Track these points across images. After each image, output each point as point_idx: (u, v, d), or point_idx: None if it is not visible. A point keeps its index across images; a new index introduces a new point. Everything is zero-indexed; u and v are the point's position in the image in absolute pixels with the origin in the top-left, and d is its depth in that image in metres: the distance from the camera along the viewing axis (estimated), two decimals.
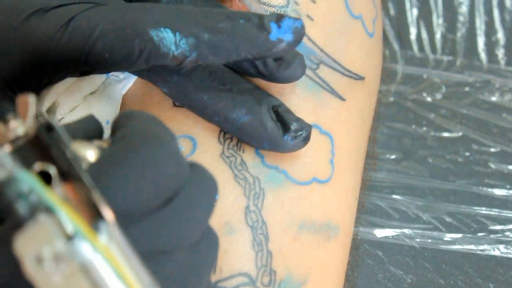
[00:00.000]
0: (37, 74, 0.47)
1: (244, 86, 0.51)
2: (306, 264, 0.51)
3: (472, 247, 0.65)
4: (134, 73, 0.52)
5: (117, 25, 0.45)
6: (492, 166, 0.69)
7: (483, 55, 0.75)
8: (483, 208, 0.67)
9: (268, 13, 0.54)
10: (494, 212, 0.67)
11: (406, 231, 0.65)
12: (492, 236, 0.66)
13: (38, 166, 0.33)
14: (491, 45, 0.75)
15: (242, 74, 0.51)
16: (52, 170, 0.33)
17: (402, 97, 0.72)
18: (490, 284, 0.63)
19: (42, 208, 0.32)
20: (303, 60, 0.51)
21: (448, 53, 0.75)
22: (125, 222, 0.34)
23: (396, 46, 0.75)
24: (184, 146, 0.52)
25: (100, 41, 0.45)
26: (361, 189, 0.59)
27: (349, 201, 0.55)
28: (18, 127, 0.34)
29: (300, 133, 0.50)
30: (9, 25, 0.46)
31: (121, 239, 0.33)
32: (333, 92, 0.55)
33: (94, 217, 0.32)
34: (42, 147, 0.34)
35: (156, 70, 0.50)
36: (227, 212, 0.50)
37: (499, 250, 0.65)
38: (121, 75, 0.54)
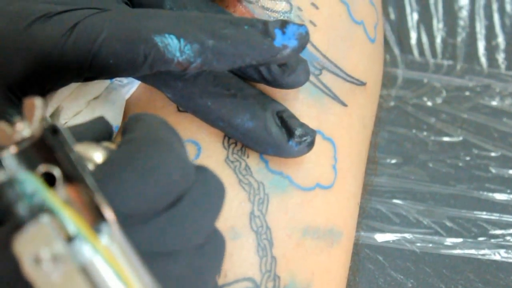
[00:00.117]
0: (41, 79, 0.47)
1: (249, 91, 0.51)
2: (310, 270, 0.51)
3: (472, 251, 0.65)
4: (138, 78, 0.52)
5: (121, 31, 0.45)
6: (493, 170, 0.69)
7: (483, 60, 0.75)
8: (484, 213, 0.67)
9: (272, 19, 0.54)
10: (494, 216, 0.67)
11: (407, 235, 0.66)
12: (492, 240, 0.66)
13: (42, 168, 0.34)
14: (491, 50, 0.75)
15: (246, 79, 0.51)
16: (57, 172, 0.33)
17: (403, 101, 0.72)
18: None
19: (44, 209, 0.32)
20: (307, 66, 0.51)
21: (449, 57, 0.75)
22: (129, 223, 0.35)
23: (396, 51, 0.75)
24: (188, 151, 0.52)
25: (104, 47, 0.45)
26: (362, 194, 0.59)
27: (351, 206, 0.55)
28: (24, 129, 0.34)
29: (304, 138, 0.50)
30: (14, 30, 0.46)
31: (122, 240, 0.33)
32: (335, 97, 0.55)
33: (96, 218, 0.32)
34: (47, 149, 0.34)
35: (160, 75, 0.50)
36: (232, 217, 0.50)
37: (499, 255, 0.65)
38: (125, 80, 0.54)
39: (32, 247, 0.31)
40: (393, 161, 0.69)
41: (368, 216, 0.66)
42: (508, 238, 0.66)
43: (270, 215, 0.51)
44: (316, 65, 0.55)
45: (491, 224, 0.66)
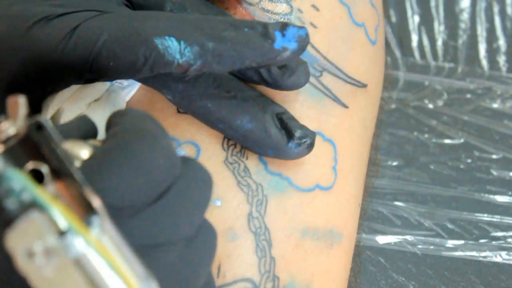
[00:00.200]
0: (41, 82, 0.47)
1: (248, 93, 0.51)
2: (309, 271, 0.51)
3: (474, 253, 0.65)
4: (138, 80, 0.52)
5: (122, 34, 0.45)
6: (494, 172, 0.69)
7: (484, 62, 0.75)
8: (485, 215, 0.67)
9: (272, 20, 0.54)
10: (496, 218, 0.67)
11: (408, 237, 0.66)
12: (494, 242, 0.66)
13: (30, 165, 0.34)
14: (492, 52, 0.75)
15: (246, 81, 0.52)
16: (44, 169, 0.34)
17: (404, 104, 0.72)
18: None
19: (34, 205, 0.32)
20: (307, 67, 0.51)
21: (450, 60, 0.75)
22: (119, 216, 0.35)
23: (397, 53, 0.75)
24: (187, 153, 0.52)
25: (105, 49, 0.45)
26: (363, 196, 0.59)
27: (352, 208, 0.55)
28: (9, 128, 0.34)
29: (304, 140, 0.50)
30: (14, 33, 0.46)
31: (114, 232, 0.33)
32: (336, 99, 0.55)
33: (86, 212, 0.32)
34: (33, 146, 0.34)
35: (160, 77, 0.50)
36: (230, 218, 0.50)
37: (501, 257, 0.65)
38: (125, 82, 0.54)
39: (24, 241, 0.31)
40: (395, 163, 0.69)
41: (370, 218, 0.66)
42: (509, 240, 0.66)
43: (268, 216, 0.51)
44: (317, 66, 0.55)
45: (492, 226, 0.66)
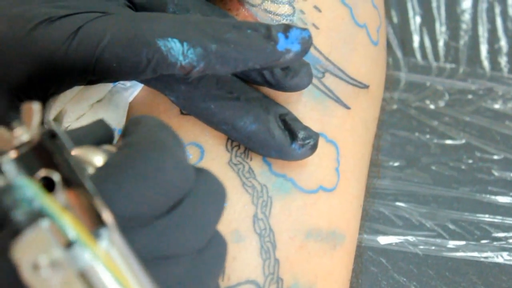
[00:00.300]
0: (44, 83, 0.47)
1: (252, 94, 0.51)
2: (313, 272, 0.51)
3: (475, 254, 0.65)
4: (141, 81, 0.52)
5: (124, 35, 0.45)
6: (495, 173, 0.69)
7: (486, 63, 0.75)
8: (487, 216, 0.67)
9: (275, 22, 0.54)
10: (497, 219, 0.67)
11: (410, 238, 0.66)
12: (495, 243, 0.66)
13: (41, 172, 0.34)
14: (494, 53, 0.76)
15: (249, 82, 0.52)
16: (56, 177, 0.34)
17: (406, 104, 0.72)
18: None
19: (42, 215, 0.32)
20: (310, 69, 0.51)
21: (451, 60, 0.75)
22: (130, 228, 0.35)
23: (399, 54, 0.75)
24: (191, 154, 0.52)
25: (107, 50, 0.45)
26: (365, 197, 0.59)
27: (354, 209, 0.55)
28: (23, 134, 0.34)
29: (307, 141, 0.50)
30: (16, 34, 0.46)
31: (122, 245, 0.33)
32: (338, 100, 0.55)
33: (96, 223, 0.32)
34: (45, 154, 0.34)
35: (163, 78, 0.50)
36: (235, 220, 0.50)
37: (502, 257, 0.65)
38: (128, 83, 0.54)
39: (30, 253, 0.31)
40: (396, 164, 0.69)
41: (371, 219, 0.66)
42: (510, 241, 0.66)
43: (273, 218, 0.51)
44: (319, 68, 0.55)
45: (493, 227, 0.67)
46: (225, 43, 0.45)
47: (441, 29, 0.76)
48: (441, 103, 0.73)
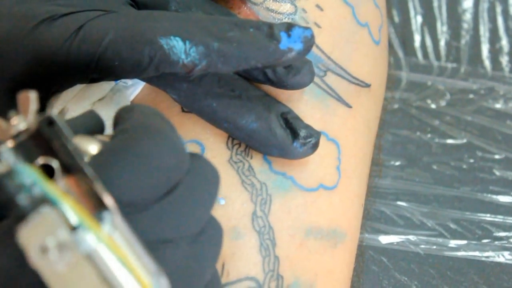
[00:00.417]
0: (46, 81, 0.47)
1: (253, 92, 0.51)
2: (313, 270, 0.51)
3: (476, 253, 0.65)
4: (143, 79, 0.52)
5: (126, 33, 0.45)
6: (497, 173, 0.69)
7: (487, 62, 0.75)
8: (488, 215, 0.67)
9: (277, 20, 0.54)
10: (498, 218, 0.67)
11: (411, 237, 0.66)
12: (496, 242, 0.66)
13: (40, 160, 0.34)
14: (495, 52, 0.76)
15: (251, 80, 0.52)
16: (55, 164, 0.34)
17: (407, 104, 0.72)
18: None
19: (45, 200, 0.32)
20: (312, 67, 0.51)
21: (452, 60, 0.75)
22: (127, 212, 0.35)
23: (400, 53, 0.75)
24: (192, 151, 0.52)
25: (109, 49, 0.45)
26: (366, 196, 0.59)
27: (355, 207, 0.55)
28: (20, 123, 0.35)
29: (309, 140, 0.50)
30: (18, 33, 0.46)
31: (124, 228, 0.33)
32: (340, 99, 0.55)
33: (97, 207, 0.33)
34: (44, 141, 0.34)
35: (165, 76, 0.50)
36: (235, 217, 0.50)
37: (503, 257, 0.65)
38: (129, 81, 0.54)
39: (37, 236, 0.32)
40: (397, 163, 0.69)
41: (372, 218, 0.66)
42: None
43: (272, 215, 0.51)
44: (321, 66, 0.55)
45: (495, 226, 0.67)
46: (228, 42, 0.45)
47: (442, 29, 0.76)
48: (442, 103, 0.73)
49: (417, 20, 0.77)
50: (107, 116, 0.52)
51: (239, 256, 0.50)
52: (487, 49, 0.76)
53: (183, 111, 0.53)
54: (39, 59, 0.46)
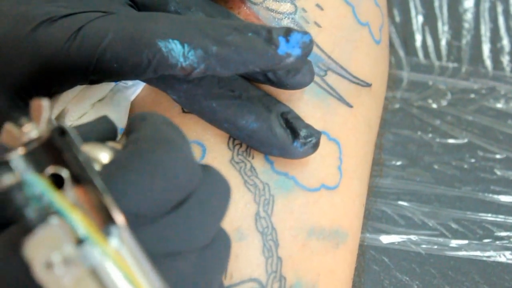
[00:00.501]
0: (46, 82, 0.47)
1: (253, 93, 0.51)
2: (315, 271, 0.51)
3: (478, 253, 0.65)
4: (143, 80, 0.52)
5: (126, 35, 0.45)
6: (498, 172, 0.69)
7: (488, 62, 0.75)
8: (489, 215, 0.67)
9: (276, 19, 0.54)
10: (500, 218, 0.67)
11: (412, 237, 0.66)
12: (498, 242, 0.66)
13: (50, 169, 0.34)
14: (496, 52, 0.75)
15: (251, 80, 0.52)
16: (65, 173, 0.34)
17: (408, 103, 0.72)
18: None
19: (52, 212, 0.32)
20: (312, 66, 0.51)
21: (454, 60, 0.75)
22: (137, 224, 0.35)
23: (401, 53, 0.75)
24: (193, 152, 0.52)
25: (109, 51, 0.45)
26: (367, 195, 0.59)
27: (357, 207, 0.55)
28: (32, 131, 0.34)
29: (309, 139, 0.50)
30: (18, 34, 0.46)
31: (132, 243, 0.33)
32: (340, 99, 0.55)
33: (106, 221, 0.32)
34: (55, 151, 0.34)
35: (165, 77, 0.50)
36: (238, 218, 0.50)
37: (505, 257, 0.65)
38: (129, 82, 0.54)
39: (43, 251, 0.31)
40: (398, 163, 0.69)
41: (374, 218, 0.66)
42: None
43: (275, 216, 0.51)
44: (321, 66, 0.55)
45: (496, 226, 0.66)
46: (226, 46, 0.45)
47: (443, 28, 0.76)
48: (444, 102, 0.73)
49: (418, 20, 0.77)
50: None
51: (242, 258, 0.50)
52: (488, 48, 0.76)
53: (183, 112, 0.53)
54: (38, 61, 0.46)
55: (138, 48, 0.45)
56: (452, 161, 0.70)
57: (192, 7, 0.51)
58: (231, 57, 0.45)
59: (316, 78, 0.54)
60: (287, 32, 0.46)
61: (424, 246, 0.65)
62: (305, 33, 0.46)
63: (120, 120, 0.54)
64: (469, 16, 0.77)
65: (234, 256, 0.49)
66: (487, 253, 0.65)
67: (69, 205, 0.32)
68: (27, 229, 0.32)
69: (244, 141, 0.51)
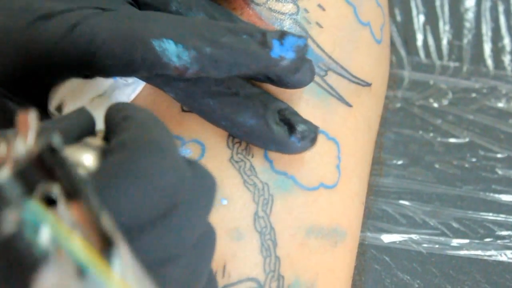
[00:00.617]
0: (39, 76, 0.47)
1: (251, 90, 0.51)
2: (314, 269, 0.51)
3: (479, 252, 0.65)
4: (140, 77, 0.52)
5: (120, 33, 0.45)
6: (499, 172, 0.69)
7: (489, 61, 0.75)
8: (490, 214, 0.67)
9: (279, 20, 0.54)
10: (501, 217, 0.67)
11: (413, 236, 0.66)
12: (499, 241, 0.66)
13: (41, 188, 0.32)
14: (497, 51, 0.75)
15: (251, 79, 0.52)
16: (57, 191, 0.32)
17: (409, 103, 0.72)
18: None
19: (52, 243, 0.31)
20: (312, 65, 0.51)
21: (455, 59, 0.75)
22: (131, 234, 0.34)
23: (402, 52, 0.75)
24: (192, 151, 0.52)
25: (103, 48, 0.45)
26: (368, 195, 0.59)
27: (356, 206, 0.55)
28: (19, 147, 0.32)
29: (306, 134, 0.50)
30: (14, 28, 0.46)
31: (131, 261, 0.32)
32: (340, 98, 0.55)
33: (104, 242, 0.31)
34: (45, 167, 0.32)
35: (162, 75, 0.50)
36: (236, 218, 0.50)
37: (506, 256, 0.65)
38: (129, 79, 0.54)
39: None
40: (399, 162, 0.69)
41: (375, 217, 0.66)
42: None
43: (274, 216, 0.51)
44: (322, 66, 0.55)
45: (497, 225, 0.66)
46: (220, 47, 0.45)
47: (444, 28, 0.76)
48: (445, 102, 0.73)
49: (419, 19, 0.77)
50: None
51: (240, 257, 0.50)
52: (490, 48, 0.76)
53: (183, 110, 0.53)
54: (33, 55, 0.46)
55: (132, 46, 0.45)
56: (453, 160, 0.70)
57: (194, 7, 0.51)
58: (225, 58, 0.45)
59: (317, 78, 0.54)
60: (282, 35, 0.46)
61: (425, 245, 0.65)
62: (300, 36, 0.46)
63: None
64: (470, 15, 0.77)
65: (232, 255, 0.50)
66: (488, 253, 0.65)
67: (67, 231, 0.31)
68: (29, 268, 0.31)
69: (242, 139, 0.51)
